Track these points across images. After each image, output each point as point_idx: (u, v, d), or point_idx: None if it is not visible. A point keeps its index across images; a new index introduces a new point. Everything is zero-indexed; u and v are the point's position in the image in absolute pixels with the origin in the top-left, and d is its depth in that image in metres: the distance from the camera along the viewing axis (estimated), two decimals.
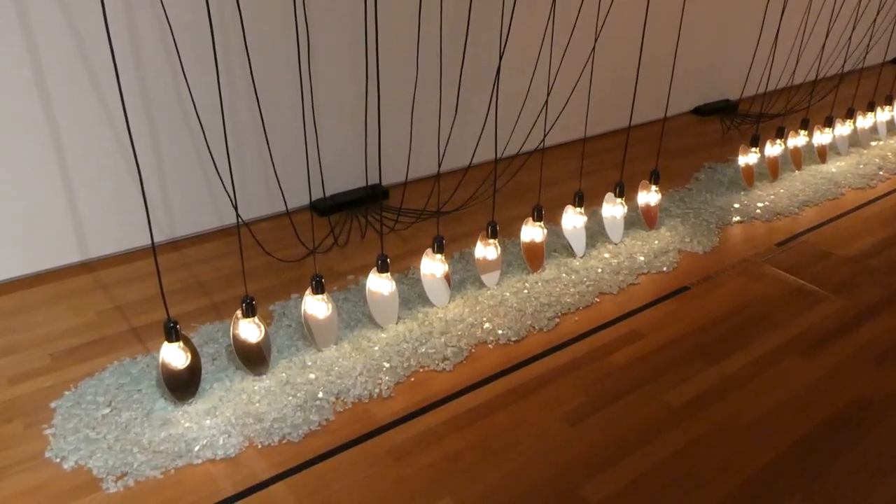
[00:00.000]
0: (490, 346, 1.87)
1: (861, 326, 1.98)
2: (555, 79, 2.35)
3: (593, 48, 2.25)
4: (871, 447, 1.56)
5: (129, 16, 1.97)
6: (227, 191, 1.99)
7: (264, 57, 2.21)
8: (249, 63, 1.88)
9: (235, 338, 1.69)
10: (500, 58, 2.08)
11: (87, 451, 1.50)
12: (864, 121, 3.30)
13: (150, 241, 1.59)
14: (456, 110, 2.31)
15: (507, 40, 2.14)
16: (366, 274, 1.91)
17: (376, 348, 1.83)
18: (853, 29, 3.28)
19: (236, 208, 1.82)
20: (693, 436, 1.59)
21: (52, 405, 1.63)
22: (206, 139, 1.93)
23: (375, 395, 1.68)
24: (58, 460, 1.48)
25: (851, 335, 1.94)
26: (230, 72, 2.19)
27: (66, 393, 1.66)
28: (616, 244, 2.35)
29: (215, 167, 1.98)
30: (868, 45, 3.55)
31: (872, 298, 2.11)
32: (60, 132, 2.00)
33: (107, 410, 1.61)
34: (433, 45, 2.29)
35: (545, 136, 2.36)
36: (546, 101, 2.27)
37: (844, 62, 3.38)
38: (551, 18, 2.15)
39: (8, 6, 1.81)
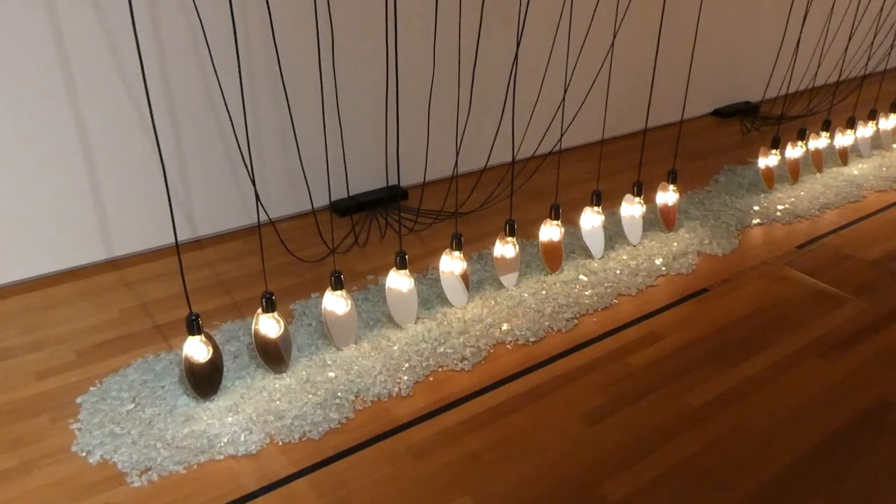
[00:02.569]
0: (508, 346, 1.88)
1: (882, 329, 1.96)
2: (570, 80, 2.35)
3: (611, 49, 2.25)
4: (892, 450, 1.55)
5: (157, 15, 2.00)
6: (253, 184, 2.02)
7: (287, 58, 2.24)
8: (279, 64, 1.90)
9: (256, 335, 1.71)
10: (515, 59, 2.09)
11: (112, 445, 1.53)
12: (887, 123, 3.27)
13: (173, 240, 1.61)
14: (469, 110, 2.32)
15: (520, 39, 2.15)
16: (385, 274, 1.93)
17: (395, 348, 1.84)
18: (876, 30, 3.25)
19: (258, 200, 1.84)
20: (712, 437, 1.58)
21: (78, 400, 1.66)
22: (236, 139, 1.95)
23: (394, 394, 1.70)
24: (83, 454, 1.51)
25: (873, 338, 1.93)
26: (252, 75, 2.21)
27: (92, 388, 1.69)
28: (634, 246, 2.35)
29: (245, 165, 2.01)
30: (891, 46, 3.52)
31: (894, 301, 2.09)
32: (87, 131, 2.03)
33: (131, 406, 1.63)
34: (451, 47, 2.30)
35: (562, 137, 2.36)
36: (563, 102, 2.27)
37: (867, 64, 3.35)
38: (568, 19, 2.15)
39: (39, 3, 1.85)
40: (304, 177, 2.13)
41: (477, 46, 2.16)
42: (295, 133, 2.13)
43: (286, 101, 2.10)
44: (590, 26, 2.31)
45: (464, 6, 2.19)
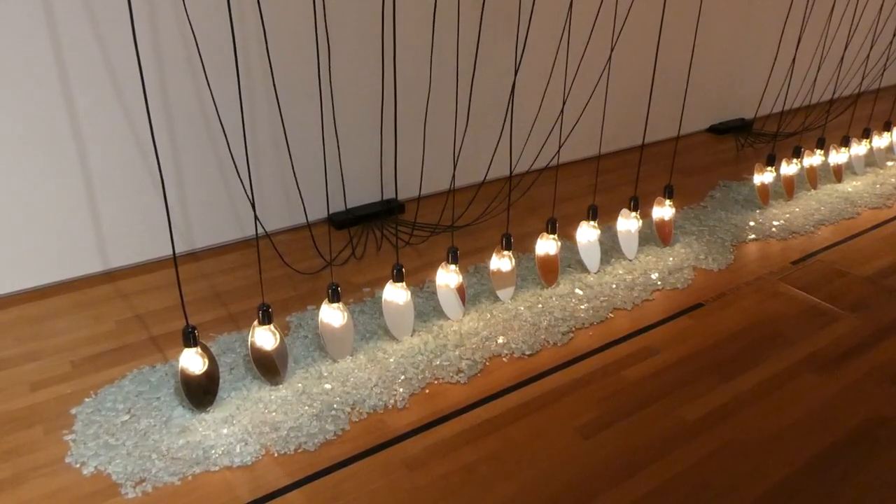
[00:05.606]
0: (504, 359, 1.88)
1: (876, 345, 1.97)
2: (568, 94, 2.38)
3: (608, 65, 2.27)
4: (886, 465, 1.56)
5: (154, 29, 2.02)
6: (248, 196, 2.02)
7: (283, 72, 2.25)
8: (273, 79, 1.92)
9: (253, 346, 1.71)
10: (516, 73, 2.11)
11: (106, 456, 1.52)
12: (881, 141, 3.30)
13: (169, 252, 1.62)
14: (466, 124, 2.34)
15: (521, 57, 2.17)
16: (381, 286, 1.93)
17: (391, 360, 1.84)
18: (870, 49, 3.28)
19: (255, 213, 1.85)
20: (707, 451, 1.59)
21: (73, 411, 1.65)
22: (230, 151, 1.96)
23: (390, 406, 1.70)
24: (77, 465, 1.50)
25: (867, 354, 1.94)
26: (248, 88, 2.23)
27: (87, 400, 1.69)
28: (630, 260, 2.36)
29: (239, 177, 2.02)
30: (885, 66, 3.55)
31: (888, 318, 2.10)
32: (84, 143, 2.04)
33: (126, 417, 1.63)
34: (449, 61, 2.32)
35: (559, 151, 2.38)
36: (560, 116, 2.29)
37: (861, 82, 3.38)
38: (566, 34, 2.17)
39: (38, 18, 1.87)
40: (298, 188, 2.14)
41: (475, 60, 2.18)
42: (289, 147, 2.14)
43: (279, 113, 2.12)
44: (588, 42, 2.33)
45: (462, 20, 2.22)
